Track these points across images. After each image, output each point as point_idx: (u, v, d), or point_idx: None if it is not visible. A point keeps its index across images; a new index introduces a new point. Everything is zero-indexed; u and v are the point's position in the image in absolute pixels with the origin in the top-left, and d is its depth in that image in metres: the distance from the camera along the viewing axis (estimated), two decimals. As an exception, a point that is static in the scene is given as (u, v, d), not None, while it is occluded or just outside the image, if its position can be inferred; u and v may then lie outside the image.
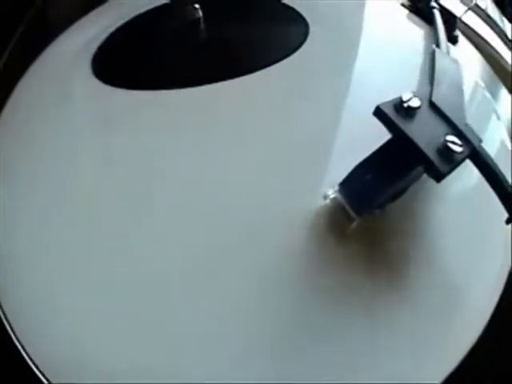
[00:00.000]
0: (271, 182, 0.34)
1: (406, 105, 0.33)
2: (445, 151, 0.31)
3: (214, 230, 0.31)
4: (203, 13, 0.41)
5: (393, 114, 0.33)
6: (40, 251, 0.30)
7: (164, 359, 0.26)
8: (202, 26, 0.40)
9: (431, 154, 0.31)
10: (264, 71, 0.38)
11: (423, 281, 0.34)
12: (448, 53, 0.42)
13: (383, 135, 0.33)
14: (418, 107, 0.33)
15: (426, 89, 0.36)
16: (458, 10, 0.48)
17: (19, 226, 0.30)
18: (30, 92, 0.38)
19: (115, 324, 0.27)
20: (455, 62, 0.41)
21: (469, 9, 0.50)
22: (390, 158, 0.33)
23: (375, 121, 0.32)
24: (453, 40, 0.47)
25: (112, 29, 0.40)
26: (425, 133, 0.32)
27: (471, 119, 0.34)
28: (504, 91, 0.47)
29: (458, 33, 0.48)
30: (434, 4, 0.47)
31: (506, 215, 0.32)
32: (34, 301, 0.28)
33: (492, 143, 0.37)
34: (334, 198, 0.34)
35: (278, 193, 0.34)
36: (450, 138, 0.32)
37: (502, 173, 0.32)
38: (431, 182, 0.32)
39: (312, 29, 0.41)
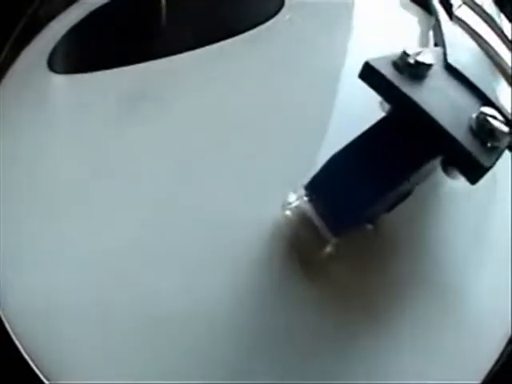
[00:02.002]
0: (221, 181, 0.26)
1: (412, 60, 0.21)
2: (482, 132, 0.19)
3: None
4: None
5: (392, 74, 0.21)
6: (39, 249, 0.27)
7: (161, 361, 0.24)
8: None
9: (462, 135, 0.19)
10: (230, 41, 0.32)
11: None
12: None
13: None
14: (431, 65, 0.21)
15: (438, 49, 0.25)
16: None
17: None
18: None
19: (115, 324, 0.25)
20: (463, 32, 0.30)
21: (464, 3, 0.42)
22: (387, 144, 0.21)
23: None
24: None
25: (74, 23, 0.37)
26: (445, 104, 0.20)
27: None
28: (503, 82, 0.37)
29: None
30: None
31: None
32: (33, 299, 0.26)
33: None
34: (298, 208, 0.22)
35: (225, 196, 0.25)
36: (488, 110, 0.20)
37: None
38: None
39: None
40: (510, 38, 0.46)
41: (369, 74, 0.21)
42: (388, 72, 0.21)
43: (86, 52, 0.35)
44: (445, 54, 0.24)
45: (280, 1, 0.34)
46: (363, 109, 0.23)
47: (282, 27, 0.33)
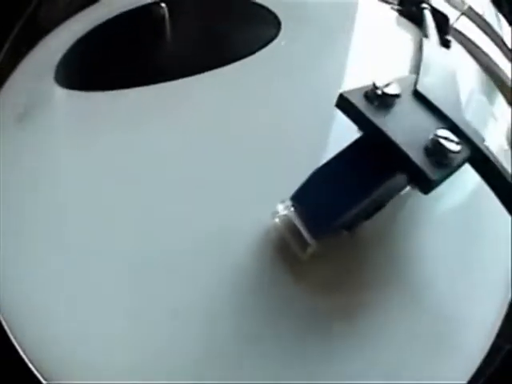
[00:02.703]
0: (217, 192, 0.28)
1: (379, 91, 0.24)
2: (435, 151, 0.23)
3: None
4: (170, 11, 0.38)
5: (362, 104, 0.24)
6: (37, 253, 0.28)
7: (160, 361, 0.25)
8: (168, 24, 0.38)
9: (415, 154, 0.23)
10: (230, 66, 0.34)
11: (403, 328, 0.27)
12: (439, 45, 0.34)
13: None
14: (397, 95, 0.25)
15: (410, 77, 0.28)
16: (450, 15, 0.43)
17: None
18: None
19: (114, 324, 0.26)
20: (447, 53, 0.33)
21: (462, 14, 0.43)
22: (358, 162, 0.25)
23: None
24: (445, 44, 0.40)
25: (80, 35, 0.38)
26: (406, 128, 0.24)
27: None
28: (500, 97, 0.39)
29: (450, 38, 0.41)
30: (425, 5, 0.41)
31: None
32: (32, 300, 0.27)
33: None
34: (285, 216, 0.26)
35: (221, 206, 0.28)
36: (442, 132, 0.23)
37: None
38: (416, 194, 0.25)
39: (284, 26, 0.37)
40: (510, 46, 0.47)
41: (343, 103, 0.25)
42: (359, 102, 0.25)
43: (90, 69, 0.36)
44: (415, 82, 0.27)
45: (277, 26, 0.36)
46: (346, 131, 0.26)
47: (279, 52, 0.35)
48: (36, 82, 0.37)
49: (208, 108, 0.32)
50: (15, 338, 0.26)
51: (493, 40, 0.46)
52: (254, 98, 0.32)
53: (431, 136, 0.24)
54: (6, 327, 0.26)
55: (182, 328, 0.25)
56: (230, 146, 0.30)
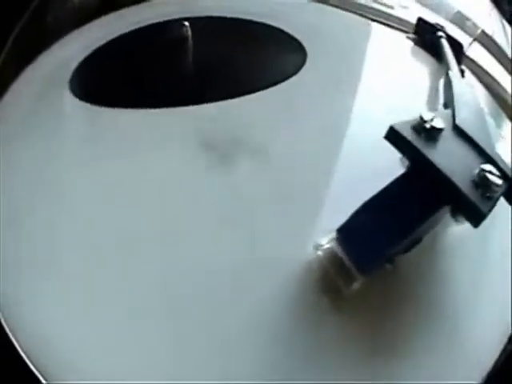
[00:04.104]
0: (255, 225, 0.28)
1: (428, 125, 0.24)
2: (482, 184, 0.23)
3: (192, 276, 0.26)
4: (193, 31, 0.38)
5: (412, 137, 0.24)
6: (38, 256, 0.28)
7: (163, 363, 0.25)
8: (191, 45, 0.38)
9: (465, 187, 0.23)
10: (255, 95, 0.34)
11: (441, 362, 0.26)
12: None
13: (391, 169, 0.26)
14: (442, 129, 0.25)
15: (447, 111, 0.28)
16: (463, 41, 0.44)
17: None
18: (10, 113, 0.35)
19: (114, 325, 0.25)
20: (470, 86, 0.34)
21: (474, 40, 0.44)
22: (406, 195, 0.24)
23: (381, 153, 0.25)
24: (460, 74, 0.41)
25: (95, 47, 0.38)
26: (453, 161, 0.24)
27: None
28: (507, 122, 0.40)
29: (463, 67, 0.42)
30: (441, 33, 0.42)
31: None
32: (33, 300, 0.27)
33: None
34: (329, 249, 0.25)
35: (260, 239, 0.27)
36: (487, 166, 0.24)
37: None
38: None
39: (310, 57, 0.37)
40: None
41: (393, 135, 0.25)
42: (408, 134, 0.25)
43: (103, 83, 0.35)
44: (453, 116, 0.28)
45: (303, 54, 0.37)
46: (385, 161, 0.26)
47: (305, 81, 0.35)
48: (47, 89, 0.36)
49: (227, 135, 0.32)
50: (15, 337, 0.26)
51: (502, 64, 0.46)
52: (285, 127, 0.32)
53: (477, 170, 0.24)
54: (6, 327, 0.26)
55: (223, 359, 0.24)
56: (266, 178, 0.29)
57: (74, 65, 0.36)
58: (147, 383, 0.24)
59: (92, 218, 0.29)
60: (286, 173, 0.30)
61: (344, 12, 0.42)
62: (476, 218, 0.23)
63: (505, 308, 0.29)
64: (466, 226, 0.25)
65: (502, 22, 0.48)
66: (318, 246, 0.26)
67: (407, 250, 0.26)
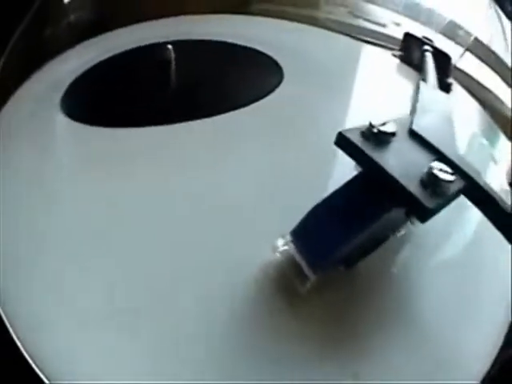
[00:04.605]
0: (217, 228, 0.29)
1: (376, 129, 0.25)
2: (430, 182, 0.24)
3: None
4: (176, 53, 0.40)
5: (360, 142, 0.25)
6: (42, 252, 0.29)
7: (161, 361, 0.25)
8: (174, 67, 0.40)
9: (411, 186, 0.23)
10: (231, 113, 0.35)
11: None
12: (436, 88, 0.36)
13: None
14: (393, 134, 0.26)
15: (406, 118, 0.29)
16: (454, 53, 0.43)
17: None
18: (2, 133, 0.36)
19: (115, 325, 0.26)
20: (444, 96, 0.34)
21: (466, 50, 0.44)
22: (356, 197, 0.25)
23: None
24: (446, 88, 0.41)
25: (85, 68, 0.40)
26: (402, 163, 0.25)
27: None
28: (503, 139, 0.40)
29: (451, 80, 0.42)
30: (427, 47, 0.42)
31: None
32: (34, 300, 0.27)
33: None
34: (286, 251, 0.26)
35: (221, 242, 0.29)
36: (437, 164, 0.24)
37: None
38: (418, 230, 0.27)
39: (287, 75, 0.39)
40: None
41: (341, 141, 0.26)
42: (356, 140, 0.25)
43: (92, 103, 0.37)
44: (411, 121, 0.28)
45: (280, 74, 0.38)
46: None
47: (282, 100, 0.36)
48: (39, 109, 0.38)
49: (209, 150, 0.33)
50: (18, 337, 0.26)
51: (498, 72, 0.45)
52: (256, 142, 0.34)
53: (426, 169, 0.24)
54: (8, 327, 0.26)
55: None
56: (230, 186, 0.31)
57: (65, 85, 0.38)
58: (147, 383, 0.24)
59: (88, 220, 0.30)
60: (246, 182, 0.31)
61: (327, 32, 0.43)
62: (422, 214, 0.24)
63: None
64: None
65: (502, 25, 0.47)
66: (275, 248, 0.27)
67: (366, 253, 0.27)
